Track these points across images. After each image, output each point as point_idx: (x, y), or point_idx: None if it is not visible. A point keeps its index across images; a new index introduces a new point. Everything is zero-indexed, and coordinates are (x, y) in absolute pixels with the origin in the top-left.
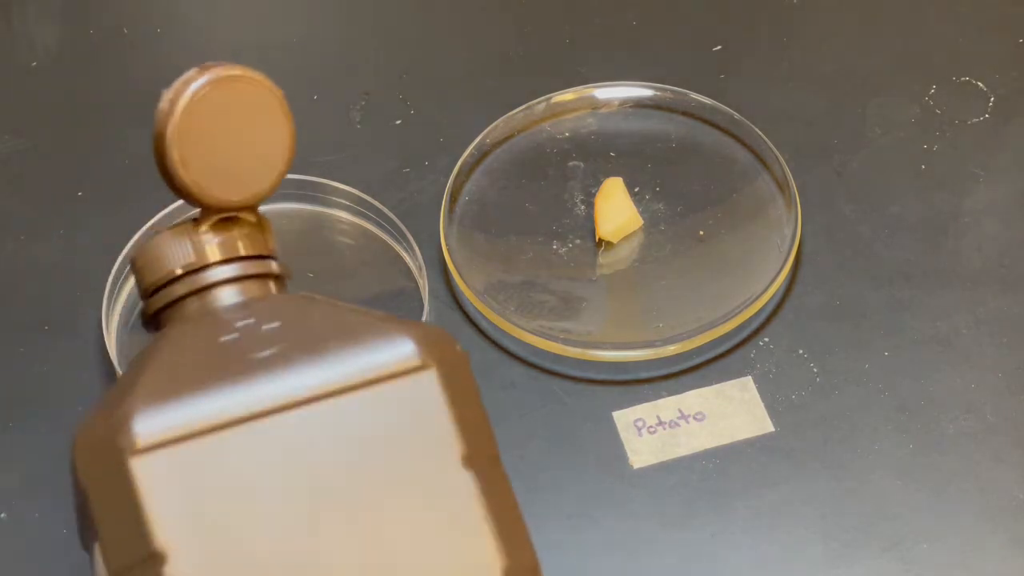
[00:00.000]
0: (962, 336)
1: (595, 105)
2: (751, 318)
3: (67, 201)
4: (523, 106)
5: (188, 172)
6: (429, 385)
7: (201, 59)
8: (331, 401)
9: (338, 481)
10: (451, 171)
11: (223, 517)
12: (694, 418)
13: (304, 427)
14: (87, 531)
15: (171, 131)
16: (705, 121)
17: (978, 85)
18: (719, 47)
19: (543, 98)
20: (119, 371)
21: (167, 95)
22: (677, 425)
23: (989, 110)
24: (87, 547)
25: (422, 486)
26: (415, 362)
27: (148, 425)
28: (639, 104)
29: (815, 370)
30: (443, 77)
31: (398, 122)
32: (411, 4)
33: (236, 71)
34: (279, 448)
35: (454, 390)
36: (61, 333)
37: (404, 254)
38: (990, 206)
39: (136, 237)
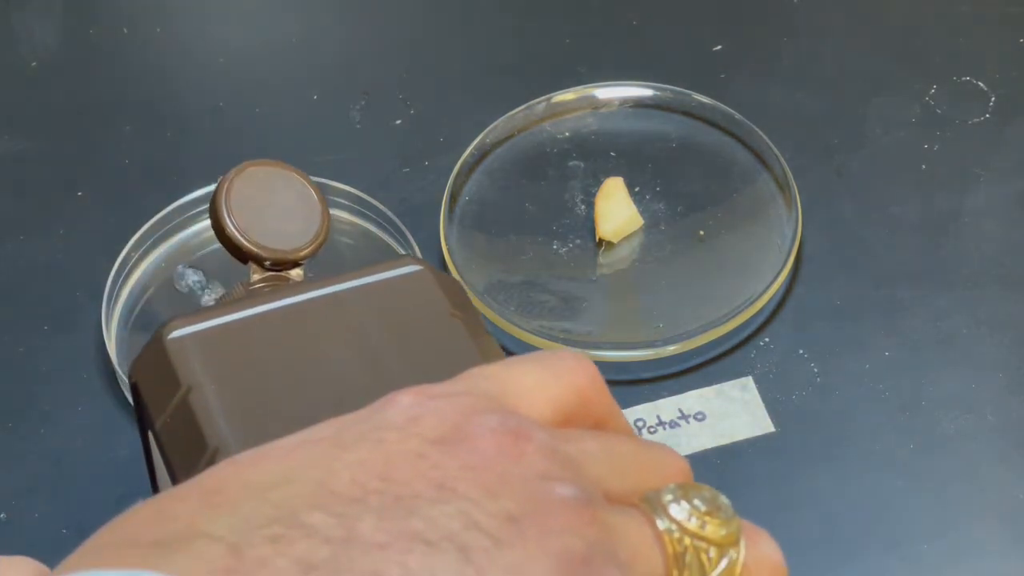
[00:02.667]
0: (962, 336)
1: (595, 105)
2: (751, 318)
3: (67, 201)
4: (523, 106)
5: (237, 229)
6: (424, 278)
7: (201, 59)
8: (341, 291)
9: (347, 333)
10: (451, 171)
11: (243, 364)
12: (694, 418)
13: (316, 309)
14: (144, 434)
15: (222, 198)
16: (705, 121)
17: (978, 85)
18: (719, 47)
19: (543, 98)
20: (119, 371)
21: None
22: (677, 425)
23: (990, 110)
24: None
25: (420, 334)
26: (416, 267)
27: (180, 324)
28: (639, 104)
29: (815, 370)
30: (443, 77)
31: (398, 122)
32: (411, 4)
33: (276, 164)
34: (294, 324)
35: (447, 286)
36: (61, 333)
37: (404, 254)
38: (990, 206)
39: (136, 237)
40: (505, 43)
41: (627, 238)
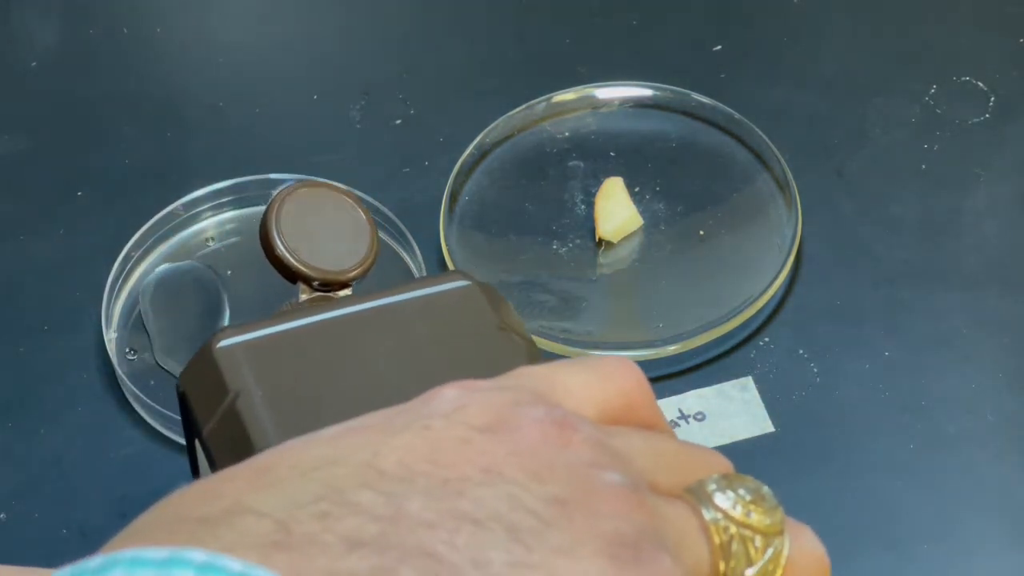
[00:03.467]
0: (962, 336)
1: (595, 105)
2: (751, 318)
3: (67, 201)
4: (523, 106)
5: (287, 249)
6: (473, 293)
7: (201, 59)
8: (390, 304)
9: (395, 344)
10: (451, 171)
11: (291, 372)
12: (694, 418)
13: (365, 321)
14: (190, 444)
15: (273, 218)
16: (705, 121)
17: (978, 85)
18: (719, 47)
19: (543, 98)
20: (119, 371)
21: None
22: (677, 425)
23: (989, 110)
24: (193, 461)
25: (468, 346)
26: (463, 283)
27: (228, 333)
28: (639, 104)
29: (815, 370)
30: (443, 77)
31: (398, 122)
32: (411, 4)
33: (326, 186)
34: (343, 335)
35: (495, 301)
36: (61, 333)
37: (404, 254)
38: (990, 206)
39: (136, 236)
40: (505, 43)
41: (627, 238)
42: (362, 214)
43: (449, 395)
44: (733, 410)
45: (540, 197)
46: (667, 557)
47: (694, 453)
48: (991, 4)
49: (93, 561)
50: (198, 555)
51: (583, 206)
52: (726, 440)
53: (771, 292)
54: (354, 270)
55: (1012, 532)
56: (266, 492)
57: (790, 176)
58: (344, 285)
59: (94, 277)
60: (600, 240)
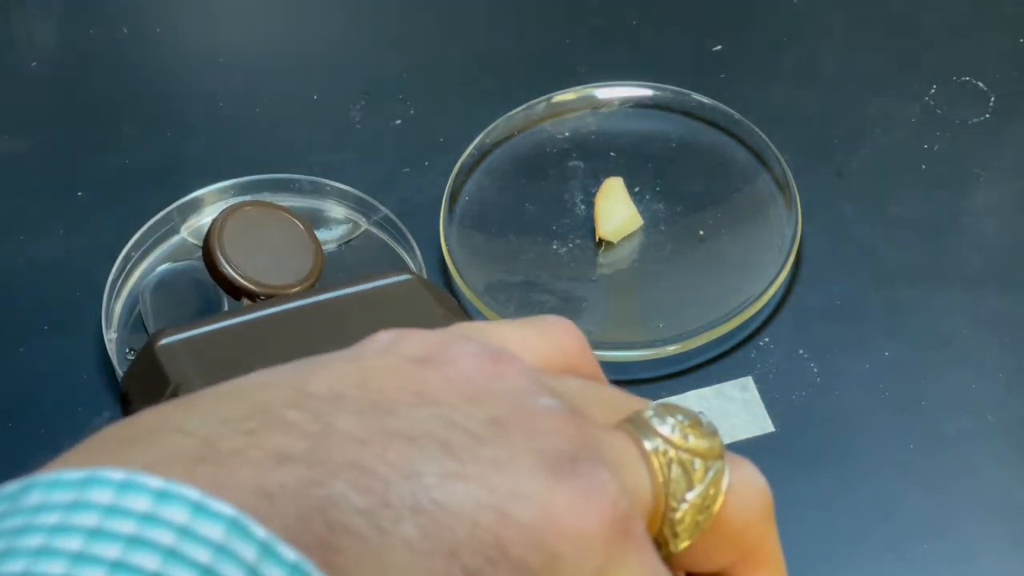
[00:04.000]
0: (962, 336)
1: (595, 105)
2: (751, 318)
3: (67, 201)
4: (523, 106)
5: (230, 265)
6: (414, 286)
7: (201, 59)
8: (332, 298)
9: (338, 335)
10: (451, 171)
11: (232, 364)
12: None
13: (307, 314)
14: None
15: (216, 235)
16: (705, 121)
17: (978, 85)
18: (719, 47)
19: (543, 98)
20: (119, 371)
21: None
22: None
23: (989, 110)
24: None
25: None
26: (405, 276)
27: (170, 332)
28: (639, 104)
29: (815, 370)
30: (443, 77)
31: (398, 122)
32: (411, 4)
33: (268, 205)
34: (285, 328)
35: (437, 295)
36: (61, 333)
37: (404, 254)
38: (990, 206)
39: (136, 237)
40: (505, 43)
41: (627, 238)
42: (304, 230)
43: (383, 336)
44: (733, 410)
45: (540, 197)
46: (606, 471)
47: (631, 397)
48: (991, 4)
49: (11, 486)
50: (117, 474)
51: (583, 206)
52: (726, 440)
53: (771, 292)
54: (299, 285)
55: (1012, 532)
56: (192, 412)
57: (790, 176)
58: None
59: (94, 277)
60: (600, 240)
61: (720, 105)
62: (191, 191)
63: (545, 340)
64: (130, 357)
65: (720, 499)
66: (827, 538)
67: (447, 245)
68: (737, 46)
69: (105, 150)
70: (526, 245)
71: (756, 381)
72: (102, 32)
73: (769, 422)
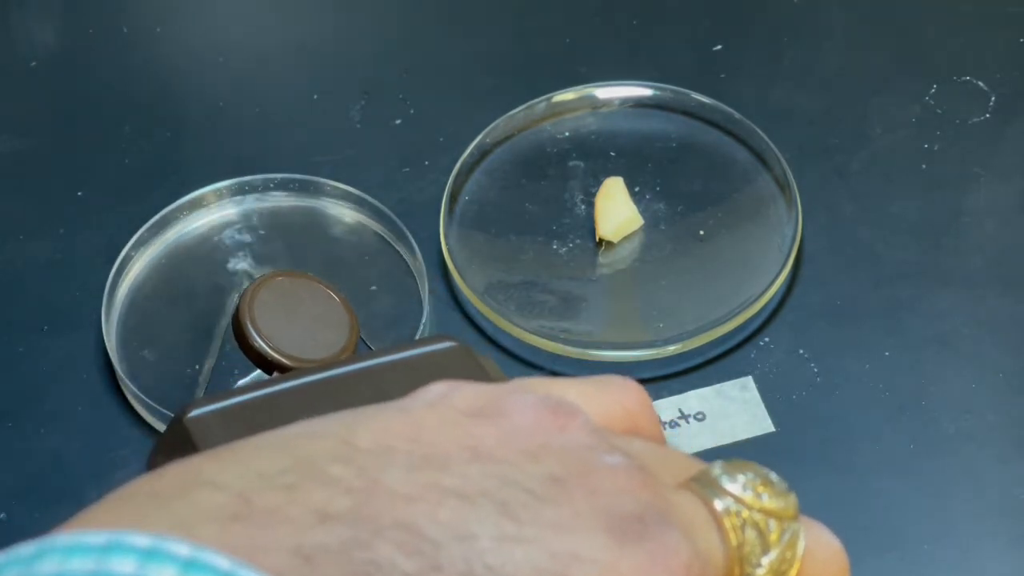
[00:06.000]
0: (963, 336)
1: (595, 104)
2: (751, 318)
3: (67, 201)
4: (523, 106)
5: (261, 338)
6: (460, 352)
7: (201, 59)
8: (372, 366)
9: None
10: (451, 171)
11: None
12: (694, 418)
13: (344, 383)
14: None
15: (246, 308)
16: (705, 121)
17: (979, 84)
18: (719, 46)
19: (543, 98)
20: (119, 371)
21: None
22: (677, 425)
23: (990, 109)
24: None
25: None
26: (450, 343)
27: (200, 404)
28: (639, 103)
29: (815, 370)
30: (443, 77)
31: (398, 122)
32: (411, 4)
33: (301, 275)
34: (321, 397)
35: (483, 362)
36: (61, 333)
37: (404, 254)
38: (991, 206)
39: (136, 237)
40: (505, 43)
41: (627, 238)
42: (339, 301)
43: (435, 388)
44: (733, 410)
45: (540, 197)
46: (677, 533)
47: (695, 460)
48: (992, 3)
49: (26, 548)
50: (142, 540)
51: (583, 206)
52: (726, 440)
53: (771, 292)
54: (334, 359)
55: (1012, 532)
56: (225, 464)
57: (790, 176)
58: None
59: (94, 277)
60: (600, 240)
61: (720, 105)
62: (191, 191)
63: (607, 397)
64: (133, 357)
65: (797, 565)
66: None
67: (447, 245)
68: (737, 46)
69: (105, 150)
70: (526, 245)
71: (756, 381)
72: (102, 32)
73: (769, 422)
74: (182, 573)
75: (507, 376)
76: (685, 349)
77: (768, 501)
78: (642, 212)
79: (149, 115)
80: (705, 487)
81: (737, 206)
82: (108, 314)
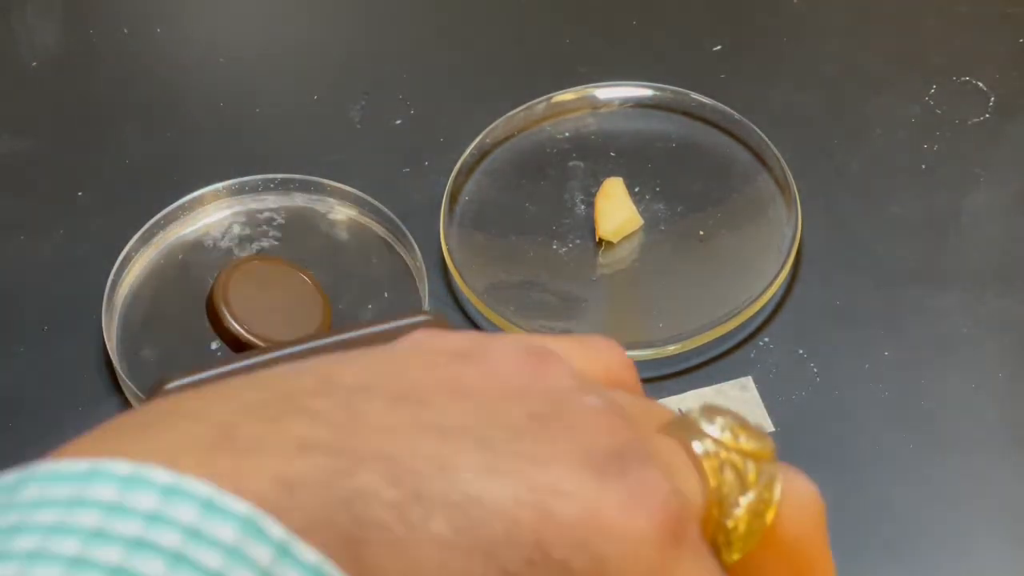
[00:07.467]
0: (962, 336)
1: (595, 105)
2: (751, 318)
3: (67, 201)
4: (523, 106)
5: (236, 321)
6: (437, 322)
7: (201, 59)
8: (345, 339)
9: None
10: (451, 171)
11: None
12: None
13: (313, 354)
14: None
15: (220, 291)
16: (705, 121)
17: (978, 85)
18: (719, 47)
19: (543, 98)
20: (119, 371)
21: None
22: None
23: (989, 110)
24: None
25: None
26: (425, 316)
27: (176, 375)
28: (639, 104)
29: (815, 370)
30: (443, 77)
31: (398, 122)
32: (411, 4)
33: (273, 260)
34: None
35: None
36: (61, 333)
37: (404, 254)
38: (990, 206)
39: (136, 237)
40: (505, 43)
41: (627, 238)
42: (311, 284)
43: (418, 334)
44: (733, 410)
45: (540, 197)
46: (656, 472)
47: (675, 412)
48: (991, 4)
49: (8, 477)
50: (122, 467)
51: (583, 206)
52: None
53: (771, 292)
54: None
55: (1012, 532)
56: (210, 399)
57: (790, 176)
58: None
59: (94, 277)
60: (600, 240)
61: (720, 105)
62: (191, 191)
63: (590, 353)
64: (132, 357)
65: (774, 505)
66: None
67: (447, 245)
68: (737, 46)
69: (105, 150)
70: (526, 245)
71: (756, 381)
72: (102, 32)
73: (769, 422)
74: (162, 499)
75: None
76: (685, 349)
77: (745, 442)
78: (642, 212)
79: (149, 115)
80: (684, 430)
81: (737, 206)
82: (108, 314)
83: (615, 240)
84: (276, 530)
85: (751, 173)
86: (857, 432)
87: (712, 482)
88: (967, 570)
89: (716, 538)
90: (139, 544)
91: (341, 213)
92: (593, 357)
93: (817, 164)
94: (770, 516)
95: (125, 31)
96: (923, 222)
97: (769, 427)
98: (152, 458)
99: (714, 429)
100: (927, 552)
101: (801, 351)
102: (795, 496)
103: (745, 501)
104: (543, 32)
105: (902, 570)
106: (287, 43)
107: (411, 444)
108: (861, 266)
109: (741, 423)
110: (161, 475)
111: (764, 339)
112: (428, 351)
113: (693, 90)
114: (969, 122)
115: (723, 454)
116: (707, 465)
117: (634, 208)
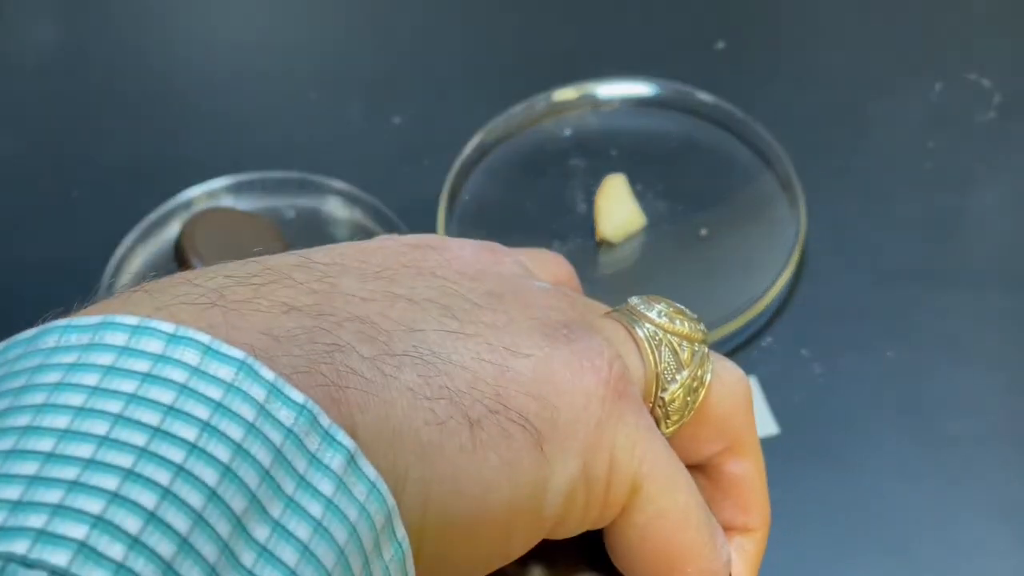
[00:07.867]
0: (966, 336)
1: (596, 103)
2: (754, 318)
3: (64, 201)
4: (523, 104)
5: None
6: None
7: (200, 59)
8: None
9: None
10: (450, 169)
11: None
12: None
13: None
14: None
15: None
16: (707, 119)
17: (983, 83)
18: (722, 44)
19: (544, 96)
20: None
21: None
22: None
23: (994, 108)
24: None
25: None
26: None
27: None
28: (641, 102)
29: (818, 370)
30: (443, 76)
31: (397, 121)
32: (411, 4)
33: (237, 212)
34: None
35: None
36: None
37: None
38: (995, 205)
39: (132, 236)
40: (505, 42)
41: (628, 237)
42: (275, 232)
43: (381, 236)
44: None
45: (540, 196)
46: (600, 339)
47: None
48: (996, 1)
49: (26, 333)
50: (130, 319)
51: (584, 205)
52: None
53: (774, 292)
54: None
55: (1013, 533)
56: (204, 273)
57: (793, 175)
58: None
59: (89, 276)
60: (601, 240)
61: (723, 103)
62: (188, 190)
63: (539, 258)
64: None
65: (707, 382)
66: (829, 538)
67: None
68: (740, 44)
69: (103, 149)
70: (526, 244)
71: (759, 381)
72: (100, 32)
73: (772, 422)
74: (167, 344)
75: None
76: None
77: (680, 326)
78: (644, 211)
79: (147, 114)
80: (625, 315)
81: (739, 205)
82: None
83: (616, 240)
84: (268, 373)
85: (754, 172)
86: (860, 432)
87: (651, 360)
88: (968, 570)
89: (654, 411)
90: (150, 378)
91: (340, 212)
92: (541, 261)
93: (820, 163)
94: (702, 393)
95: (125, 31)
96: (927, 221)
97: (773, 427)
98: (156, 314)
99: (653, 314)
100: (928, 552)
101: (804, 351)
102: (725, 378)
103: (681, 378)
104: (544, 29)
105: (903, 570)
106: (287, 43)
107: (383, 310)
108: (865, 265)
109: (677, 309)
110: (165, 325)
111: (767, 339)
112: (392, 243)
113: (696, 88)
114: (974, 121)
115: (661, 335)
116: (647, 345)
117: (635, 207)
